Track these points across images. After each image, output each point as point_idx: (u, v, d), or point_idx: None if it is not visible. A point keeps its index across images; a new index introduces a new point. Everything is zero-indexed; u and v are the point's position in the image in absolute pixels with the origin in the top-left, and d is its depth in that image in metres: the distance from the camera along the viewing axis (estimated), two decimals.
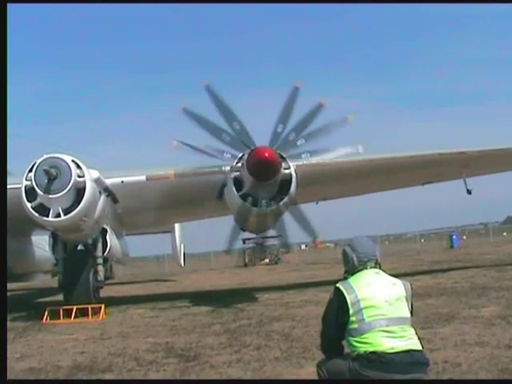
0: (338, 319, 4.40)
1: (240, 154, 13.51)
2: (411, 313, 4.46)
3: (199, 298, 17.56)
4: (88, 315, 13.68)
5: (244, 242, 48.72)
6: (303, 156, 13.32)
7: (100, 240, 15.25)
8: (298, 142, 13.20)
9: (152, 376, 7.21)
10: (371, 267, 4.58)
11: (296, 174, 13.63)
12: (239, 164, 13.55)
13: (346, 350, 4.51)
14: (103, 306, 14.06)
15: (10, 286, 20.30)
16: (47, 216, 12.85)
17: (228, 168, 13.97)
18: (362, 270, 4.56)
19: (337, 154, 13.72)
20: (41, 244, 18.81)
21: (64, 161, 13.04)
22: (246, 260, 47.98)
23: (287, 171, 13.45)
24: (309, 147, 13.38)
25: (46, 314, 13.58)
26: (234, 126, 13.29)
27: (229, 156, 13.41)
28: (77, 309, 13.75)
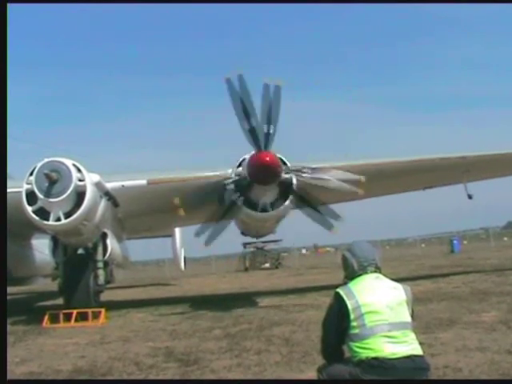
0: (338, 324, 4.39)
1: (241, 159, 13.52)
2: (412, 317, 4.45)
3: (200, 302, 17.54)
4: (88, 319, 13.66)
5: (245, 247, 48.77)
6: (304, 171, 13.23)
7: (100, 244, 15.21)
8: (304, 171, 13.08)
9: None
10: (371, 272, 4.58)
11: (297, 178, 13.63)
12: (240, 168, 13.56)
13: (347, 354, 4.50)
14: (103, 310, 14.05)
15: (10, 289, 20.30)
16: (47, 220, 12.85)
17: (229, 172, 13.97)
18: (362, 274, 4.56)
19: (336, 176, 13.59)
20: (41, 248, 18.80)
21: (64, 164, 13.04)
22: (247, 264, 47.98)
23: (288, 176, 13.45)
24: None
25: (46, 317, 13.56)
26: (252, 122, 13.02)
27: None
28: (77, 313, 13.74)
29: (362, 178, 13.59)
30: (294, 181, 13.56)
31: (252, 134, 12.96)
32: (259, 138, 12.91)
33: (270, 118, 12.90)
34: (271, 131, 12.94)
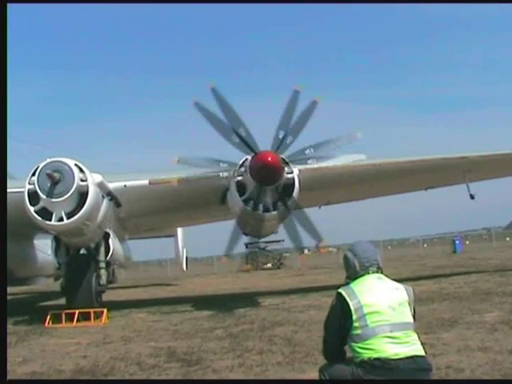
0: (340, 325, 4.38)
1: (243, 159, 13.52)
2: (413, 318, 4.45)
3: (201, 302, 17.54)
4: (90, 319, 13.69)
5: (246, 247, 48.70)
6: (310, 162, 13.26)
7: (102, 244, 15.22)
8: (307, 151, 13.15)
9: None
10: (373, 272, 4.57)
11: (299, 178, 13.64)
12: (242, 168, 13.56)
13: (348, 354, 4.50)
14: (105, 310, 14.07)
15: (12, 289, 20.36)
16: (50, 220, 12.86)
17: (231, 172, 13.97)
18: (364, 275, 4.54)
19: (340, 161, 13.65)
20: (43, 248, 18.81)
21: (67, 165, 13.06)
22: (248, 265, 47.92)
23: (290, 176, 13.45)
24: (315, 153, 13.32)
25: (49, 317, 13.58)
26: (240, 131, 13.19)
27: (225, 166, 13.40)
28: (79, 313, 13.75)
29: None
30: (297, 180, 13.57)
31: (249, 138, 13.10)
32: (255, 142, 13.03)
33: (286, 124, 13.05)
34: (280, 136, 12.99)
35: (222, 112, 13.22)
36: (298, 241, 14.59)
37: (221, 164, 13.36)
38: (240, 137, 13.08)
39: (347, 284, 4.58)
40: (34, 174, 12.95)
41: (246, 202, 13.66)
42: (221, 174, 13.80)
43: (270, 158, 12.70)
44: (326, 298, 13.87)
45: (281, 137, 13.00)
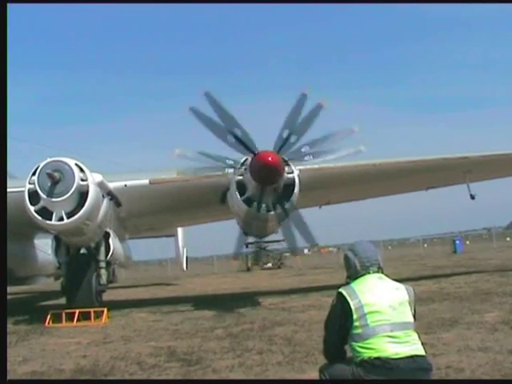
0: (341, 324, 4.38)
1: (243, 158, 13.50)
2: (414, 317, 4.45)
3: (202, 302, 17.54)
4: (90, 319, 13.70)
5: (247, 246, 48.69)
6: (306, 158, 13.17)
7: (103, 243, 15.22)
8: (303, 149, 13.06)
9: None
10: (374, 272, 4.57)
11: (299, 178, 13.63)
12: (242, 168, 13.54)
13: (349, 354, 4.50)
14: (106, 310, 14.07)
15: (12, 289, 20.38)
16: (50, 219, 12.86)
17: (231, 172, 13.95)
18: (364, 274, 4.54)
19: (339, 154, 13.50)
20: (44, 247, 18.83)
21: (67, 164, 13.06)
22: (249, 264, 47.97)
23: (290, 175, 13.44)
24: (312, 150, 13.23)
25: (49, 317, 13.58)
26: (235, 131, 13.08)
27: (231, 162, 13.31)
28: (79, 312, 13.76)
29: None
30: (297, 180, 13.55)
31: (245, 138, 12.99)
32: (252, 141, 12.96)
33: (291, 125, 12.97)
34: (284, 135, 12.90)
35: (216, 114, 13.09)
36: (294, 242, 14.50)
37: (227, 161, 13.28)
38: (236, 137, 12.98)
39: (348, 284, 4.58)
40: (34, 174, 12.95)
41: (246, 201, 13.66)
42: (226, 170, 13.73)
43: (270, 158, 12.68)
44: (327, 297, 13.88)
45: (285, 136, 12.94)
